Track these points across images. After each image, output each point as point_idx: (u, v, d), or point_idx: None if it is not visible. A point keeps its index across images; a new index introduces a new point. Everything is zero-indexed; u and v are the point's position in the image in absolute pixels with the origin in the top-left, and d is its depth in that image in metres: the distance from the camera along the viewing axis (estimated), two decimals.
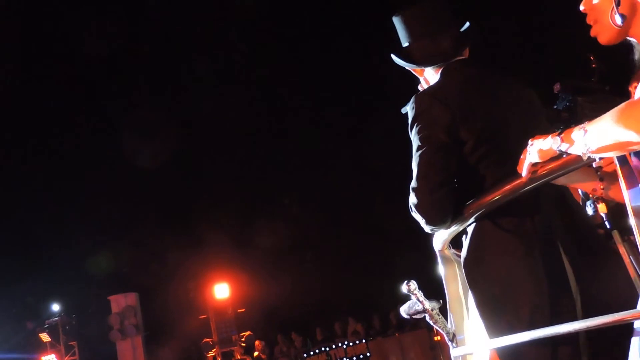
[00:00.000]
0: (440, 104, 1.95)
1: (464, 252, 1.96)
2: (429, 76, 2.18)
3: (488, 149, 1.92)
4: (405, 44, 2.19)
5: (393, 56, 2.20)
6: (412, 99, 2.03)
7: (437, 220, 1.91)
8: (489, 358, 1.93)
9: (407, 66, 2.20)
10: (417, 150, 1.96)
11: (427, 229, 1.96)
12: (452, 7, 2.20)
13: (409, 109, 2.03)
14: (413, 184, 1.95)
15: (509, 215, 1.86)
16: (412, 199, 1.93)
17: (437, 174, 1.91)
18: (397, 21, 2.21)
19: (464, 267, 1.97)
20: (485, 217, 1.88)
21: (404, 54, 2.18)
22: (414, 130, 1.99)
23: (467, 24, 2.20)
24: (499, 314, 1.85)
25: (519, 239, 1.85)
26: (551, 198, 1.91)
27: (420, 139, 1.96)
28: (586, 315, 1.74)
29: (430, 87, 2.10)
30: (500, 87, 2.08)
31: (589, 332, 1.75)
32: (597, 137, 1.35)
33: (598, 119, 1.36)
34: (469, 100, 1.97)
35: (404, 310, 2.15)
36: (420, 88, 2.24)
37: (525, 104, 2.09)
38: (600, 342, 1.77)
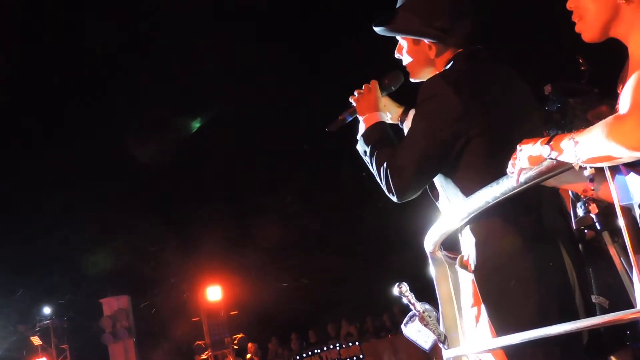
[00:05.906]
0: (454, 92, 1.92)
1: (472, 253, 1.95)
2: (439, 61, 2.12)
3: (496, 142, 1.91)
4: (437, 21, 2.07)
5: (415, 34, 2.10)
6: (428, 80, 2.01)
7: (404, 198, 2.01)
8: (495, 357, 1.93)
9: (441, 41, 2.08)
10: (415, 134, 1.98)
11: (388, 194, 2.03)
12: None
13: (423, 87, 2.01)
14: (399, 162, 1.97)
15: (510, 213, 1.86)
16: (391, 174, 1.97)
17: (425, 167, 1.97)
18: None
19: (474, 268, 1.94)
20: (485, 216, 1.87)
21: (443, 31, 2.07)
22: (421, 110, 1.99)
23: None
24: (509, 312, 1.85)
25: (522, 236, 1.85)
26: (548, 195, 1.92)
27: (424, 129, 1.96)
28: (587, 314, 1.75)
29: (447, 73, 2.06)
30: (510, 79, 2.09)
31: (594, 331, 1.75)
32: (587, 149, 1.39)
33: (587, 130, 1.40)
34: (483, 90, 1.97)
35: (404, 325, 2.17)
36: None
37: (526, 98, 2.10)
38: (605, 341, 1.78)
